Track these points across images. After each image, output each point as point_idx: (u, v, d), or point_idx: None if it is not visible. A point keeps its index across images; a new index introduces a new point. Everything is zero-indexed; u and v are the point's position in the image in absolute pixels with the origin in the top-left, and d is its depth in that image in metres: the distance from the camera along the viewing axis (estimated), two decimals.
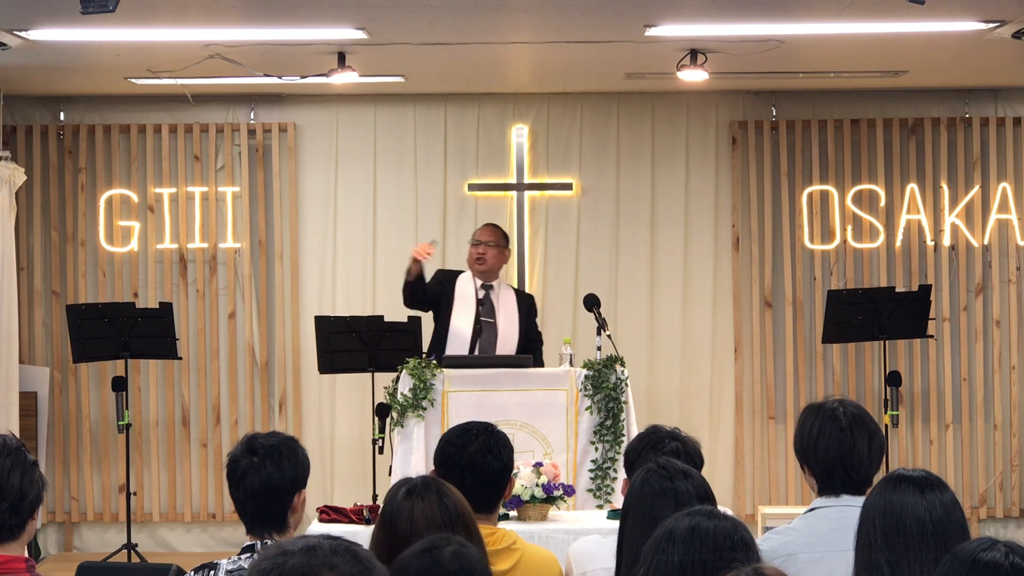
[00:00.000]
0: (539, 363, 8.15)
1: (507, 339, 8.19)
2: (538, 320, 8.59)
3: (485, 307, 8.23)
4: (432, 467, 4.34)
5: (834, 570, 3.76)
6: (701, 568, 2.89)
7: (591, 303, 8.05)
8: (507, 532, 4.15)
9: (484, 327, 8.19)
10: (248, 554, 3.74)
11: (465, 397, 7.60)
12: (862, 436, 3.97)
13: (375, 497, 8.16)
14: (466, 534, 3.43)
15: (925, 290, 9.06)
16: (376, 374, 8.59)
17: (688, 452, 4.39)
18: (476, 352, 8.11)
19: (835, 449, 3.96)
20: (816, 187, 9.91)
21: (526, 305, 8.40)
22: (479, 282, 8.28)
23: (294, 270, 9.89)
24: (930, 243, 9.88)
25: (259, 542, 3.77)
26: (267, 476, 3.73)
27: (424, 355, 7.90)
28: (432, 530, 3.39)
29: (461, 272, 8.39)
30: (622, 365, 7.65)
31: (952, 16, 7.45)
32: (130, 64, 8.59)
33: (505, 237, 8.49)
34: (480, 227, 8.61)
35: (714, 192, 9.98)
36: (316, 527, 6.49)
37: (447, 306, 8.24)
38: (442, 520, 3.42)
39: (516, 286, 9.84)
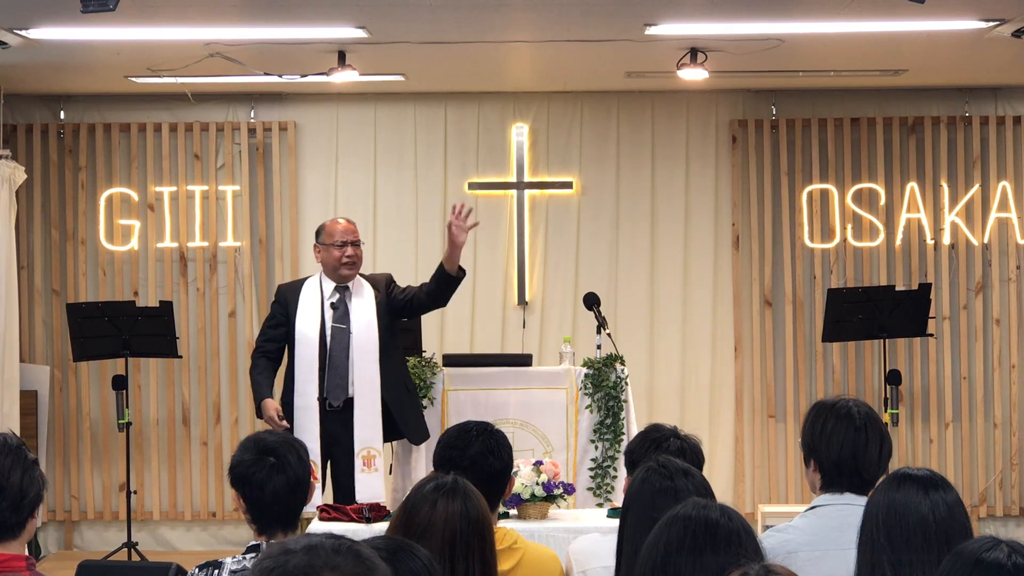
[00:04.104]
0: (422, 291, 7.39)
1: (363, 341, 7.25)
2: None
3: (339, 311, 7.31)
4: (432, 467, 4.33)
5: (834, 569, 3.76)
6: (680, 563, 2.89)
7: (591, 302, 8.05)
8: (508, 531, 4.15)
9: (336, 334, 7.26)
10: (253, 554, 3.74)
11: (465, 396, 7.60)
12: (875, 437, 3.98)
13: None
14: (480, 541, 3.44)
15: (925, 289, 9.06)
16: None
17: (690, 451, 4.39)
18: (328, 361, 7.24)
19: (848, 448, 3.96)
20: (816, 186, 9.91)
21: (382, 291, 7.39)
22: (331, 284, 7.37)
23: (294, 268, 9.88)
24: (930, 242, 9.88)
25: (265, 541, 3.77)
26: (293, 473, 3.76)
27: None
28: (448, 530, 3.40)
29: (307, 279, 7.51)
30: (622, 364, 7.65)
31: (952, 15, 7.45)
32: (130, 63, 8.59)
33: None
34: (336, 223, 7.44)
35: (714, 191, 9.98)
36: (316, 525, 6.48)
37: (293, 320, 7.35)
38: (460, 523, 3.42)
39: (522, 288, 9.85)
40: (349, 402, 7.23)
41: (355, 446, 7.21)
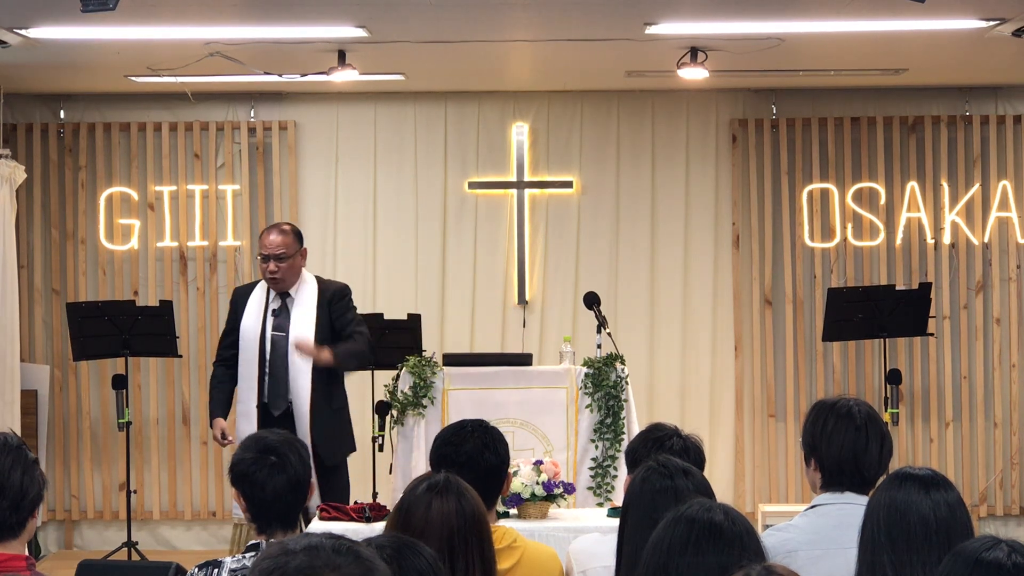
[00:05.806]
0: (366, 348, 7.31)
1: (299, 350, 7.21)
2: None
3: (279, 318, 7.23)
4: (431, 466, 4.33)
5: (834, 568, 3.76)
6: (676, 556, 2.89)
7: (591, 301, 8.04)
8: (507, 530, 4.14)
9: (276, 341, 7.20)
10: (253, 553, 3.74)
11: (465, 395, 7.59)
12: (875, 437, 3.98)
13: (375, 495, 8.16)
14: (478, 538, 3.43)
15: (925, 288, 9.06)
16: (377, 372, 8.60)
17: (693, 450, 4.39)
18: (268, 369, 7.20)
19: (849, 447, 3.96)
20: (816, 185, 9.91)
21: (327, 302, 7.26)
22: (273, 292, 7.28)
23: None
24: (930, 241, 9.88)
25: (264, 541, 3.77)
26: (294, 473, 3.76)
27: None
28: (445, 529, 3.39)
29: (260, 281, 7.37)
30: (622, 363, 7.64)
31: (952, 14, 7.44)
32: (130, 62, 8.59)
33: (297, 237, 7.28)
34: (267, 234, 7.25)
35: (714, 190, 9.98)
36: (316, 525, 6.48)
37: (239, 323, 7.32)
38: (456, 521, 3.42)
39: (522, 287, 9.84)
40: (290, 410, 7.24)
41: None
